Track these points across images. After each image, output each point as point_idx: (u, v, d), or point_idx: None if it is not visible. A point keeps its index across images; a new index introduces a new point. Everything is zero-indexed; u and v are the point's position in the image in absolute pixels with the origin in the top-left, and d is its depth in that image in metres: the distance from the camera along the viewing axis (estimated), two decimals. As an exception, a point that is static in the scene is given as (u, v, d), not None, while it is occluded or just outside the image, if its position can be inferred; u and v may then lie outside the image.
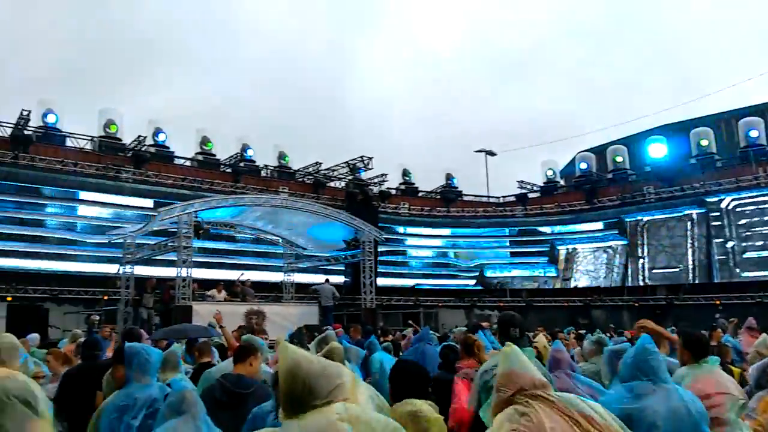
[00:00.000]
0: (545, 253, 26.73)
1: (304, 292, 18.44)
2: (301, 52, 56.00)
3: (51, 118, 19.84)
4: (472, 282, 26.54)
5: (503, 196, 29.33)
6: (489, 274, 26.65)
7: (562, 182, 29.53)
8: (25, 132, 18.43)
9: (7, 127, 18.44)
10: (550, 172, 28.85)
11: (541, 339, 7.76)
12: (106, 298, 16.89)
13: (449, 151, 50.37)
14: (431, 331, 11.13)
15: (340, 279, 22.59)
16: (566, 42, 57.91)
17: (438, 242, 27.36)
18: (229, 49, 55.74)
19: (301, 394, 1.80)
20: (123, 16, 50.87)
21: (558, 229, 26.97)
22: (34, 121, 19.17)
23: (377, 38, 64.26)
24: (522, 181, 28.77)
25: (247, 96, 53.75)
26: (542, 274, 26.53)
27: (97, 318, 15.00)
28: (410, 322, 13.12)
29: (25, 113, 18.19)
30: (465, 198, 28.54)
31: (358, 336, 9.69)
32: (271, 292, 18.22)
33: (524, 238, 27.25)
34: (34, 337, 8.81)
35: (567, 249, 26.55)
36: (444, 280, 26.38)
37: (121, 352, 3.79)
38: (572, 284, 25.65)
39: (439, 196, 27.91)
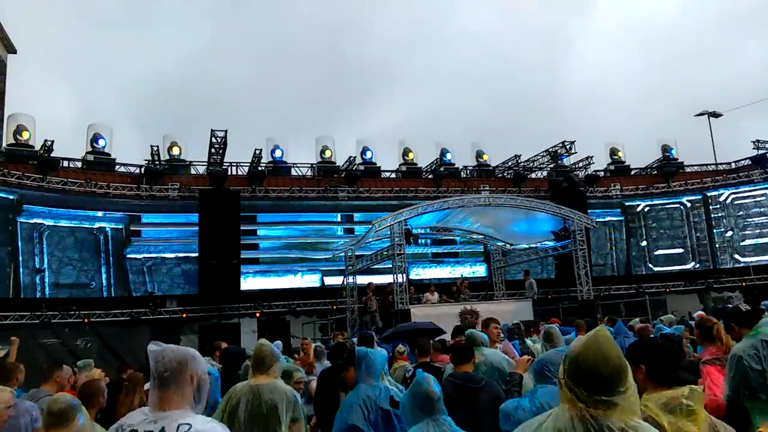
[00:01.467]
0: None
1: (515, 288, 18.41)
2: (511, 50, 56.36)
3: (278, 153, 22.71)
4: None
5: (735, 161, 25.80)
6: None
7: (810, 135, 24.96)
8: (259, 168, 21.35)
9: (244, 166, 21.66)
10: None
11: None
12: (335, 307, 18.83)
13: (666, 121, 46.03)
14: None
15: (549, 272, 22.11)
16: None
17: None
18: (441, 59, 58.69)
19: (610, 376, 1.77)
20: (349, 49, 56.43)
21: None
22: (266, 158, 22.21)
23: (591, 17, 61.42)
24: (758, 141, 24.96)
25: (456, 101, 55.57)
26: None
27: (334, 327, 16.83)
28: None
29: (257, 152, 20.99)
30: (687, 169, 25.74)
31: (582, 333, 9.39)
32: (482, 290, 18.54)
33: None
34: (278, 344, 10.32)
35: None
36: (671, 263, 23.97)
37: (353, 355, 4.26)
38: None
39: (656, 172, 25.60)
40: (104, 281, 18.67)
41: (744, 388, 3.34)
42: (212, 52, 53.51)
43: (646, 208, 24.20)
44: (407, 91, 57.61)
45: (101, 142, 20.29)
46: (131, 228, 19.29)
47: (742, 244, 23.06)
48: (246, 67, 55.16)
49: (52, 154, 18.43)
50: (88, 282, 18.34)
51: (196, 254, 19.02)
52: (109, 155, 20.52)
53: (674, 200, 24.23)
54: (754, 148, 24.79)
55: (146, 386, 4.30)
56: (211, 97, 49.39)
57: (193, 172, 21.47)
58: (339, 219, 21.82)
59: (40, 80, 46.90)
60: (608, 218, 23.74)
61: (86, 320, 17.33)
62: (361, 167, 22.88)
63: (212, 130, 19.33)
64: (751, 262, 22.65)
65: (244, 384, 4.36)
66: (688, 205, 24.06)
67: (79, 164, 19.95)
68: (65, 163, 19.47)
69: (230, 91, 52.49)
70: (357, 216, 21.60)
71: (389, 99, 56.82)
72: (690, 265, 23.32)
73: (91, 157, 20.07)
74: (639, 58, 57.52)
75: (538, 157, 23.70)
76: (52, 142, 18.24)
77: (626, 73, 56.66)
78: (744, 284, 21.88)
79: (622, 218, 23.93)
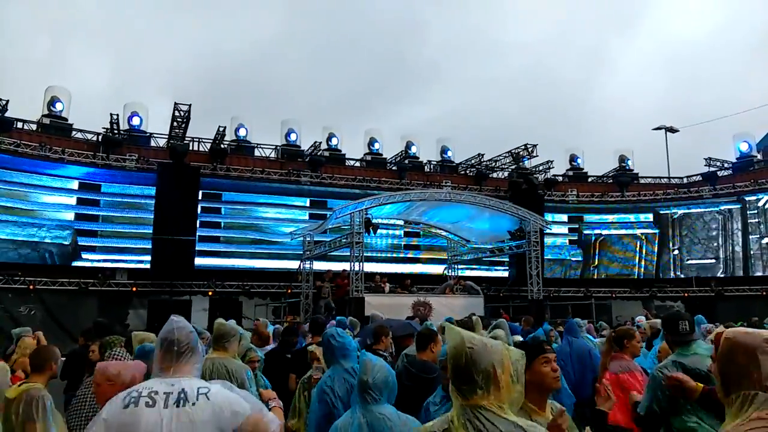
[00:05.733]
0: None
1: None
2: (554, 64, 58.86)
3: (242, 132, 22.45)
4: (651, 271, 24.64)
5: (687, 177, 26.75)
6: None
7: (759, 156, 26.10)
8: (222, 146, 21.07)
9: (207, 142, 21.29)
10: (744, 146, 25.52)
11: None
12: (289, 291, 18.76)
13: (632, 133, 48.43)
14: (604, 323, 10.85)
15: (504, 270, 22.58)
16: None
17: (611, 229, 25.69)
18: (485, 65, 60.58)
19: (465, 370, 1.93)
20: (404, 49, 58.53)
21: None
22: (230, 137, 21.89)
23: (633, 38, 63.77)
24: (710, 158, 25.91)
25: (489, 105, 57.40)
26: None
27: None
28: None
29: (221, 129, 20.65)
30: (642, 181, 26.57)
31: (528, 327, 9.76)
32: (437, 284, 18.77)
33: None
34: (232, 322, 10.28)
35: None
36: (618, 269, 24.71)
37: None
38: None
39: (611, 180, 26.35)
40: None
41: (665, 403, 3.36)
42: (276, 42, 55.45)
43: (682, 216, 24.80)
44: (446, 91, 59.33)
45: (58, 106, 19.62)
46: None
47: (687, 262, 24.14)
48: (303, 58, 57.52)
49: (6, 114, 17.74)
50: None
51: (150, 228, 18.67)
52: (66, 120, 19.87)
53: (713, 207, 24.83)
54: (705, 165, 25.76)
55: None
56: (261, 82, 51.74)
57: (153, 144, 20.98)
58: (300, 204, 21.69)
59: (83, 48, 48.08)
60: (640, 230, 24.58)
61: (31, 287, 16.83)
62: (326, 153, 22.80)
63: (176, 104, 18.95)
64: (693, 272, 23.71)
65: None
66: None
67: (33, 126, 19.25)
68: (20, 125, 18.77)
69: (283, 79, 54.66)
70: (319, 202, 21.54)
71: (427, 97, 58.57)
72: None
73: (47, 121, 19.40)
74: (664, 78, 60.61)
75: (501, 157, 24.09)
76: (7, 101, 17.56)
77: (653, 91, 59.31)
78: (686, 295, 22.81)
79: (656, 230, 24.65)
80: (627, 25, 64.58)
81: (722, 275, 23.38)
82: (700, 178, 25.78)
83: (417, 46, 58.97)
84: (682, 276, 23.99)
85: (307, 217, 21.21)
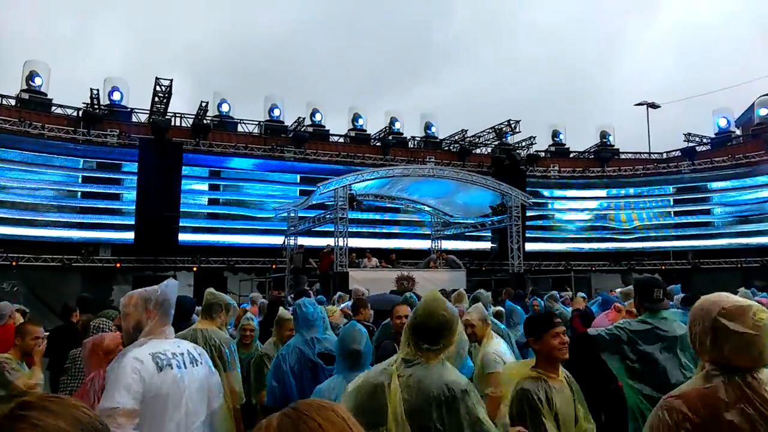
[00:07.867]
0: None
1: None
2: (571, 47, 60.74)
3: (225, 107, 22.27)
4: (629, 245, 25.10)
5: (666, 152, 27.13)
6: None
7: (737, 132, 26.51)
8: (204, 121, 20.90)
9: (189, 118, 21.11)
10: (723, 121, 25.87)
11: None
12: (274, 267, 18.93)
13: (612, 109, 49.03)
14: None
15: (486, 245, 22.87)
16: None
17: (591, 204, 26.10)
18: (503, 46, 62.39)
19: (435, 328, 2.18)
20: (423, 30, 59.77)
21: (729, 184, 24.39)
22: (212, 112, 21.70)
23: (651, 23, 65.51)
24: (689, 134, 26.29)
25: (502, 86, 58.51)
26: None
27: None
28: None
29: (203, 104, 20.46)
30: (622, 156, 26.89)
31: (507, 298, 10.03)
32: (420, 258, 19.04)
33: (689, 196, 25.06)
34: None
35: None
36: (598, 243, 25.15)
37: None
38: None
39: (592, 156, 26.65)
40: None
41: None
42: (296, 25, 57.33)
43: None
44: (462, 71, 60.80)
45: (37, 81, 19.32)
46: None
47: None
48: (325, 40, 58.66)
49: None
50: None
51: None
52: (46, 95, 19.59)
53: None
54: (684, 141, 26.15)
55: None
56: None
57: (135, 119, 20.78)
58: (283, 179, 21.69)
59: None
60: None
61: (14, 263, 16.78)
62: (310, 129, 22.74)
63: (157, 78, 18.73)
64: (671, 247, 24.22)
65: (190, 328, 4.46)
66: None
67: (12, 102, 18.96)
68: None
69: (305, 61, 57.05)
70: (302, 177, 21.55)
71: (440, 77, 60.46)
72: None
73: (26, 96, 19.10)
74: (672, 60, 62.74)
75: (484, 133, 24.23)
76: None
77: (660, 73, 60.76)
78: (663, 267, 23.34)
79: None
80: (644, 10, 65.90)
81: None
82: (679, 154, 26.17)
83: (434, 30, 60.65)
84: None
85: (290, 193, 21.21)
